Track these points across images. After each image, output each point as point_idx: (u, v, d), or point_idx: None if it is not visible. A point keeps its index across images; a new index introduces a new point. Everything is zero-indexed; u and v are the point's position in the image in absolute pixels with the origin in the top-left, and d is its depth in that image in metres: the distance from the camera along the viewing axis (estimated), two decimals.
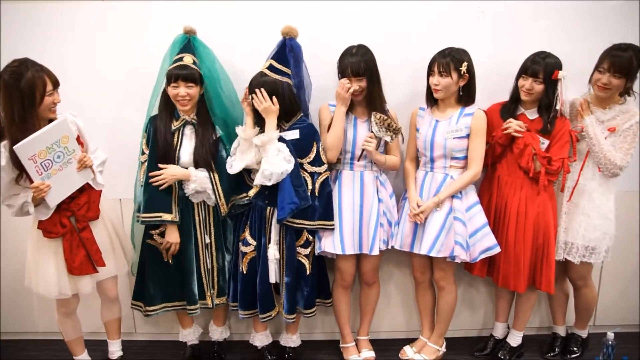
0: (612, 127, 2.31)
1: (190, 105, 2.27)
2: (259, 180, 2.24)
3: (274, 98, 2.22)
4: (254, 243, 2.36)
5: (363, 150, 2.34)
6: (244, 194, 2.35)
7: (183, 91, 2.21)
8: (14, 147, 1.91)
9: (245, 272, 2.37)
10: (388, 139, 2.31)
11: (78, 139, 2.18)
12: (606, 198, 2.39)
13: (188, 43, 2.34)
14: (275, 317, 2.46)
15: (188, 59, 2.26)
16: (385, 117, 2.28)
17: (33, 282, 2.20)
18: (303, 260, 2.38)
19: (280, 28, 2.31)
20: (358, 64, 2.25)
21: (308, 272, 2.39)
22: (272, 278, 2.35)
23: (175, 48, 2.34)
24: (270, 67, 2.28)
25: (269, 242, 2.34)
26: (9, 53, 2.50)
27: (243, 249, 2.38)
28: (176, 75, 2.20)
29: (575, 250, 2.40)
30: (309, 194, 2.30)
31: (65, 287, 2.18)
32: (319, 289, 2.52)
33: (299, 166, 2.29)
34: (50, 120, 2.05)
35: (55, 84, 2.05)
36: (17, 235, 2.70)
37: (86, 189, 2.19)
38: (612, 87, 2.25)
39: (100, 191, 2.25)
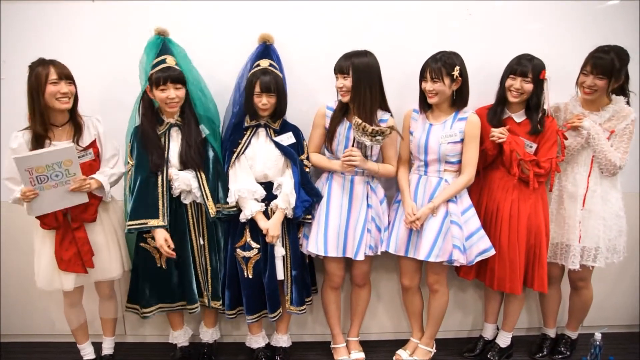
0: (611, 129, 2.33)
1: (177, 107, 2.25)
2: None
3: None
4: (258, 245, 2.35)
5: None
6: (233, 205, 2.32)
7: (172, 93, 2.18)
8: (13, 157, 1.99)
9: (251, 276, 2.37)
10: (367, 142, 2.24)
11: (94, 143, 2.23)
12: (616, 198, 2.42)
13: (164, 45, 2.29)
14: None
15: (170, 61, 2.23)
16: (360, 122, 2.19)
17: (35, 270, 2.28)
18: (304, 251, 2.45)
19: (260, 32, 2.39)
20: (345, 62, 2.26)
21: (307, 261, 2.50)
22: (280, 275, 2.38)
23: (151, 50, 2.28)
24: (271, 66, 2.29)
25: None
26: (9, 53, 2.50)
27: (246, 254, 2.35)
28: (165, 77, 2.16)
29: (601, 255, 2.39)
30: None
31: (53, 280, 2.24)
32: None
33: (303, 166, 2.35)
34: (68, 112, 2.17)
35: (62, 75, 2.10)
36: (18, 236, 2.69)
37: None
38: (597, 89, 2.28)
39: (101, 196, 2.25)
